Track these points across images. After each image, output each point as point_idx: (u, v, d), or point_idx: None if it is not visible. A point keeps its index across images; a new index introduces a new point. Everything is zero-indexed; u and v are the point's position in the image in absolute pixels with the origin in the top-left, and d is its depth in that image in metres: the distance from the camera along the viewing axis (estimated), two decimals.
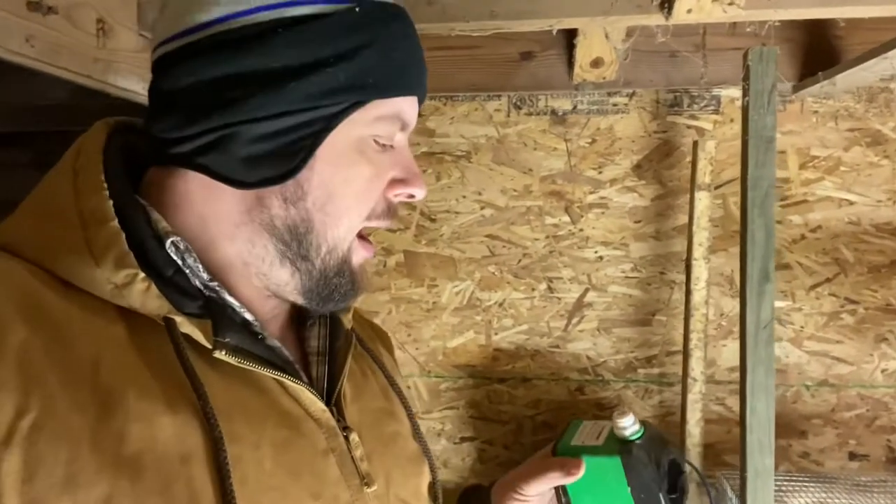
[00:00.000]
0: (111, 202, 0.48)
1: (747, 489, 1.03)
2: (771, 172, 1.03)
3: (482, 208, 1.55)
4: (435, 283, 1.58)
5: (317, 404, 0.54)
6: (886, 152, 1.46)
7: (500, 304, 1.57)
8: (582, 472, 0.66)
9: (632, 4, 0.90)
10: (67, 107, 1.47)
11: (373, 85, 0.52)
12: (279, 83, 0.50)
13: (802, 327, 1.51)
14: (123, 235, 0.48)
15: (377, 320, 1.59)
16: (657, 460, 0.66)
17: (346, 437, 0.56)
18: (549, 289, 1.56)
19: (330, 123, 0.52)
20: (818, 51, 1.38)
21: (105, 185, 0.49)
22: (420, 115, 1.54)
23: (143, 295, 0.47)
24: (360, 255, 0.57)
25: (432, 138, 1.55)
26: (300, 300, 0.56)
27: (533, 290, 1.56)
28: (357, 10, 0.52)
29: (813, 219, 1.49)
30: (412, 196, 0.58)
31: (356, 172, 0.54)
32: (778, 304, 1.51)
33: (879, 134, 1.46)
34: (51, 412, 0.40)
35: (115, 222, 0.48)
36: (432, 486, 0.67)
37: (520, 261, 1.56)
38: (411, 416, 0.67)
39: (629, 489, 0.66)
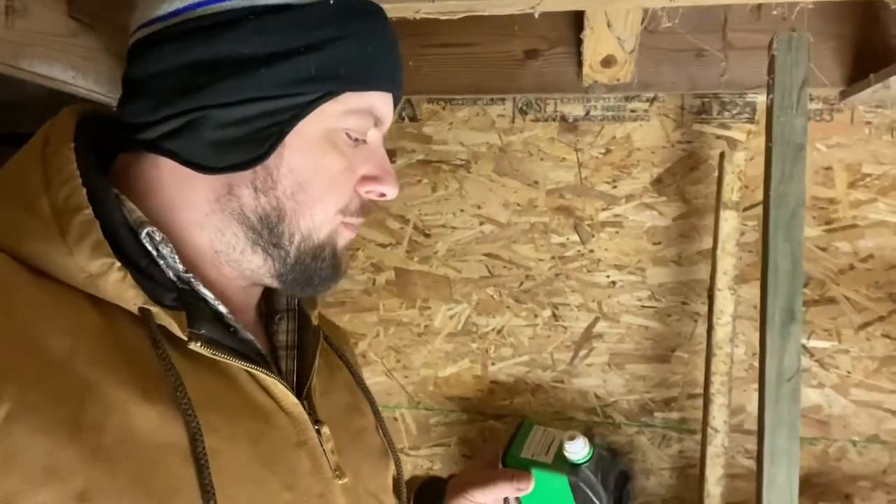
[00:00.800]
0: (84, 190, 0.48)
1: None
2: (800, 187, 0.84)
3: (481, 224, 1.40)
4: (427, 304, 1.43)
5: (289, 397, 0.54)
6: None
7: (499, 331, 1.41)
8: (531, 489, 0.69)
9: None
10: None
11: (345, 77, 0.53)
12: (249, 69, 0.51)
13: (849, 372, 1.29)
14: (98, 224, 0.47)
15: (364, 343, 1.45)
16: (604, 479, 0.69)
17: (318, 431, 0.56)
18: (554, 316, 1.39)
19: (300, 112, 0.52)
20: (870, 50, 1.18)
21: (78, 174, 0.49)
22: (416, 118, 1.42)
23: (119, 285, 0.46)
24: (345, 238, 0.58)
25: (429, 145, 1.41)
26: (276, 284, 0.57)
27: (536, 316, 1.39)
28: (331, 2, 0.53)
29: (864, 246, 1.28)
30: (383, 195, 0.58)
31: (327, 163, 0.54)
32: (821, 344, 1.30)
33: None
34: (26, 403, 0.40)
35: (90, 210, 0.47)
36: (396, 481, 0.68)
37: (522, 283, 1.39)
38: (376, 412, 0.68)
39: None
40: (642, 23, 0.98)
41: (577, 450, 0.70)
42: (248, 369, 0.52)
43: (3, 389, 0.40)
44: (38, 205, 0.47)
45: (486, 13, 0.83)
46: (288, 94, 0.52)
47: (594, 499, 0.68)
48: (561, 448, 0.69)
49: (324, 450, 0.56)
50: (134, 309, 0.47)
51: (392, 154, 1.42)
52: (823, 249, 1.29)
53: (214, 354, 0.50)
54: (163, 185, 0.53)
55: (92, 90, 0.93)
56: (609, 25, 0.94)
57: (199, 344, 0.49)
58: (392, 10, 0.85)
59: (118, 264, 0.47)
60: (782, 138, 0.84)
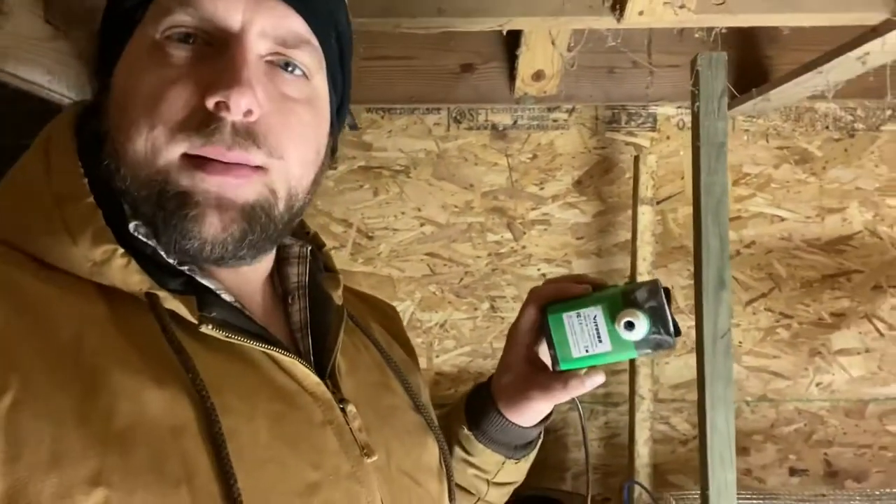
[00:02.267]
0: (86, 180, 0.47)
1: None
2: (723, 178, 1.02)
3: (422, 225, 1.49)
4: None
5: (310, 377, 0.51)
6: (813, 170, 1.51)
7: (442, 325, 1.50)
8: (602, 380, 0.61)
9: (583, 5, 0.87)
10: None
11: None
12: (121, 21, 0.50)
13: (741, 342, 1.52)
14: (100, 212, 0.46)
15: None
16: (665, 328, 0.58)
17: (343, 410, 0.53)
18: (492, 308, 1.51)
19: (124, 36, 0.50)
20: (748, 71, 1.41)
21: (79, 163, 0.47)
22: (356, 126, 1.49)
23: (123, 271, 0.45)
24: (201, 182, 0.47)
25: (369, 152, 1.48)
26: (173, 256, 0.49)
27: (475, 309, 1.50)
28: None
29: (747, 235, 1.51)
30: (224, 103, 0.46)
31: (145, 78, 0.47)
32: None
33: (806, 152, 1.51)
34: (31, 391, 0.39)
35: (91, 199, 0.46)
36: (444, 460, 0.63)
37: (461, 279, 1.50)
38: (409, 390, 0.63)
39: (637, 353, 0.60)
40: (570, 46, 1.12)
41: (638, 334, 0.58)
42: (266, 351, 0.50)
43: (8, 378, 0.39)
44: (40, 197, 0.47)
45: (459, 29, 0.93)
46: (120, 21, 0.50)
47: (660, 345, 0.59)
48: (614, 329, 0.59)
49: (350, 428, 0.53)
50: (141, 295, 0.46)
51: (332, 161, 1.48)
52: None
53: (228, 337, 0.47)
54: None
55: (64, 95, 0.92)
56: (553, 43, 1.08)
57: (210, 327, 0.47)
58: (374, 25, 0.93)
59: (121, 251, 0.45)
60: (707, 139, 1.02)
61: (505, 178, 1.49)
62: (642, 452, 1.32)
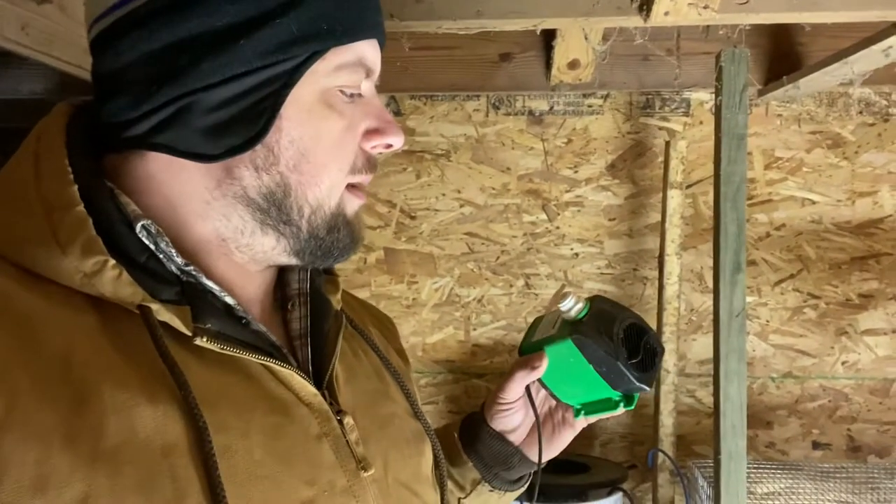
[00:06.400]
0: (76, 186, 0.46)
1: (721, 471, 1.08)
2: (742, 168, 1.08)
3: (461, 206, 1.58)
4: (415, 279, 1.60)
5: (307, 388, 0.52)
6: (846, 154, 1.54)
7: (479, 301, 1.60)
8: (545, 364, 0.67)
9: (612, 6, 0.94)
10: (41, 101, 1.45)
11: (328, 32, 0.50)
12: (227, 43, 0.47)
13: (768, 321, 1.57)
14: (90, 221, 0.45)
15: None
16: (609, 332, 0.65)
17: (340, 421, 0.53)
18: (527, 285, 1.59)
19: (291, 79, 0.49)
20: (782, 57, 1.45)
21: (69, 169, 0.47)
22: (400, 113, 1.58)
23: (115, 282, 0.45)
24: (354, 205, 0.56)
25: (412, 137, 1.58)
26: (293, 260, 0.55)
27: (511, 286, 1.59)
28: None
29: (777, 217, 1.56)
30: (390, 146, 0.55)
31: (327, 126, 0.52)
32: (746, 299, 1.57)
33: (839, 137, 1.54)
34: (17, 410, 0.39)
35: (81, 207, 0.45)
36: (437, 466, 0.64)
37: (498, 258, 1.59)
38: (408, 396, 0.64)
39: (591, 365, 0.65)
40: (605, 38, 1.19)
41: (570, 306, 0.65)
42: (263, 362, 0.50)
43: None
44: (29, 205, 0.46)
45: (497, 29, 1.01)
46: (274, 63, 0.48)
47: (603, 352, 0.64)
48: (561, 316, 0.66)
49: (347, 441, 0.53)
50: (133, 307, 0.45)
51: None
52: (746, 220, 1.55)
53: (223, 349, 0.47)
54: (156, 181, 0.51)
55: None
56: (586, 38, 1.14)
57: (205, 339, 0.46)
58: (417, 27, 1.01)
59: (112, 262, 0.45)
60: (728, 131, 1.08)
61: (540, 161, 1.57)
62: (667, 423, 1.41)
